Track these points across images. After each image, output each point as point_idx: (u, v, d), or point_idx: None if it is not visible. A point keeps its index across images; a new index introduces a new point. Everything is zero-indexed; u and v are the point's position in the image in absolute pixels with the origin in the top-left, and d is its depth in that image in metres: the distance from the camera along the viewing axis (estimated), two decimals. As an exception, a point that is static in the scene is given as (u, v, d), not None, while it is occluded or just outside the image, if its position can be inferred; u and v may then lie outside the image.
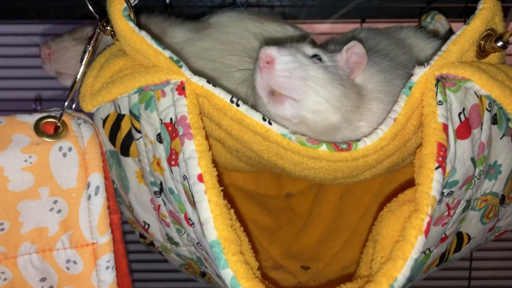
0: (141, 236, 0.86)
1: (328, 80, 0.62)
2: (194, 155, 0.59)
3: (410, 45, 0.83)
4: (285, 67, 0.61)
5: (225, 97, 0.62)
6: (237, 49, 0.82)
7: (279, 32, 0.86)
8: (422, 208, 0.56)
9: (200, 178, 0.58)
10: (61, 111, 0.66)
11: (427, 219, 0.56)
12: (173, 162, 0.64)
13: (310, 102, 0.62)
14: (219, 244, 0.55)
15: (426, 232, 0.56)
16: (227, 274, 0.54)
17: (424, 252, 0.72)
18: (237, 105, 0.62)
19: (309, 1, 1.25)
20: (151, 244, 0.84)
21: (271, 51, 0.61)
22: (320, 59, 0.66)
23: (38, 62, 1.32)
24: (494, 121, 0.68)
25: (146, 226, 0.79)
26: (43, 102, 1.38)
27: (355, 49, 0.67)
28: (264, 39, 0.76)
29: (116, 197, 0.80)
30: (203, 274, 0.87)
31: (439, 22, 1.04)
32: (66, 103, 0.66)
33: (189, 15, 1.17)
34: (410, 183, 0.91)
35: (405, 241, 0.56)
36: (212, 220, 0.56)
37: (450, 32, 1.03)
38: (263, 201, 1.09)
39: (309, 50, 0.67)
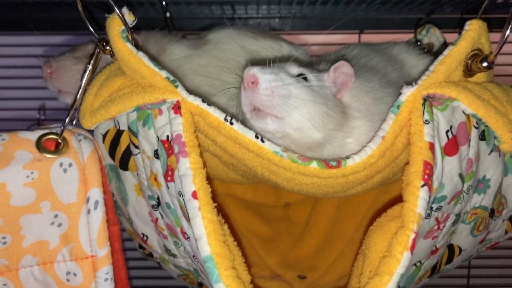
0: (140, 247, 0.88)
1: (311, 99, 0.64)
2: (188, 173, 0.61)
3: (402, 61, 0.85)
4: (268, 85, 0.63)
5: (219, 116, 0.65)
6: (233, 66, 0.84)
7: (274, 49, 0.88)
8: (408, 225, 0.58)
9: (194, 195, 0.60)
10: (62, 128, 0.69)
11: (412, 235, 0.58)
12: (169, 178, 0.66)
13: (291, 120, 0.64)
14: (212, 260, 0.57)
15: (412, 248, 0.58)
16: None
17: (415, 264, 0.74)
18: (231, 123, 0.65)
19: (308, 13, 1.27)
20: (150, 255, 0.87)
21: (255, 71, 0.64)
22: (305, 78, 0.68)
23: (41, 73, 1.36)
24: (482, 137, 0.70)
25: (145, 238, 0.82)
26: (47, 111, 1.42)
27: (342, 69, 0.69)
28: (249, 59, 0.78)
29: (115, 209, 0.83)
30: (201, 285, 0.89)
31: (434, 35, 1.06)
32: (67, 120, 0.69)
33: (189, 28, 1.20)
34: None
35: (391, 257, 0.57)
36: (206, 236, 0.58)
37: (445, 45, 1.05)
38: (261, 210, 1.11)
39: (294, 70, 0.69)
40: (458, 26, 1.11)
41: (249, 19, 1.26)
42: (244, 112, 0.66)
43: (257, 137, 0.65)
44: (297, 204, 1.12)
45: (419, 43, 1.08)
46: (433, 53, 0.98)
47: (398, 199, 0.94)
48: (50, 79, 0.91)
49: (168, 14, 1.11)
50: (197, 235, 0.59)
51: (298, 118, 0.64)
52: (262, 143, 0.65)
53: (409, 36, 1.18)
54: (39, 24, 1.27)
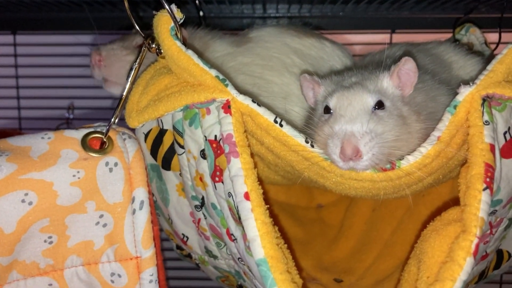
0: (178, 247, 0.87)
1: (400, 131, 0.63)
2: (240, 173, 0.60)
3: (449, 61, 0.82)
4: (369, 150, 0.61)
5: (269, 117, 0.63)
6: (276, 64, 0.82)
7: (317, 47, 0.86)
8: (470, 229, 0.56)
9: (247, 196, 0.59)
10: (107, 127, 0.68)
11: (475, 240, 0.56)
12: (217, 179, 0.65)
13: (389, 158, 0.63)
14: (266, 263, 0.56)
15: (475, 254, 0.56)
16: None
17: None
18: (281, 125, 0.63)
19: (338, 12, 1.25)
20: (188, 256, 0.85)
21: (357, 144, 0.60)
22: (381, 103, 0.66)
23: (71, 72, 1.36)
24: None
25: (185, 239, 0.80)
26: (75, 110, 1.42)
27: (406, 66, 0.67)
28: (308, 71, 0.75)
29: (155, 209, 0.82)
30: (240, 287, 0.88)
31: (473, 35, 1.04)
32: (112, 119, 0.68)
33: (220, 27, 1.19)
34: (443, 197, 0.91)
35: (453, 262, 0.55)
36: (259, 239, 0.57)
37: (486, 45, 1.02)
38: (295, 212, 1.09)
39: (371, 100, 0.65)
40: (498, 26, 1.08)
41: (280, 18, 1.24)
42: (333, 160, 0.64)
43: (307, 142, 0.64)
44: (330, 206, 1.10)
45: (457, 42, 1.06)
46: (478, 54, 0.95)
47: (436, 202, 0.93)
48: (99, 67, 0.88)
49: (201, 13, 1.09)
50: (250, 238, 0.57)
51: (390, 157, 0.63)
52: (312, 148, 0.64)
53: (441, 36, 1.15)
54: (68, 24, 1.28)
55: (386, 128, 0.63)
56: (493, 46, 1.05)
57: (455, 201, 0.65)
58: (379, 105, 0.65)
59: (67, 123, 1.41)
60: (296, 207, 1.11)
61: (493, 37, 1.08)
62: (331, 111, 0.67)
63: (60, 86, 1.40)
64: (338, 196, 1.10)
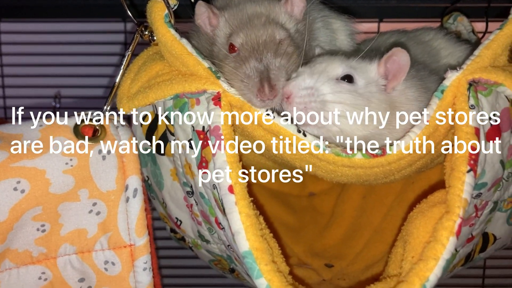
0: (172, 231, 0.88)
1: (349, 104, 0.64)
2: (224, 166, 0.60)
3: (438, 48, 0.84)
4: (301, 100, 0.64)
5: (261, 109, 0.64)
6: None
7: None
8: (454, 210, 0.58)
9: (231, 189, 0.59)
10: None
11: (458, 221, 0.57)
12: (203, 170, 0.65)
13: (331, 127, 0.65)
14: (251, 255, 0.57)
15: (458, 234, 0.57)
16: (262, 284, 0.56)
17: (450, 251, 0.73)
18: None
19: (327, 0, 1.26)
20: (182, 239, 0.86)
21: (290, 88, 0.64)
22: (351, 78, 0.67)
23: (57, 60, 1.34)
24: (524, 124, 0.69)
25: (178, 223, 0.81)
26: (62, 99, 1.41)
27: (397, 57, 0.67)
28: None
29: (150, 192, 0.82)
30: (232, 270, 0.89)
31: (461, 24, 1.05)
32: (105, 107, 0.68)
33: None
34: (432, 183, 0.92)
35: (437, 242, 0.57)
36: (244, 231, 0.58)
37: (473, 33, 1.04)
38: (287, 200, 1.10)
39: (339, 70, 0.67)
40: (485, 15, 1.09)
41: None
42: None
43: (299, 131, 0.64)
44: (322, 194, 1.12)
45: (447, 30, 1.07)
46: (466, 41, 0.97)
47: (425, 189, 0.94)
48: None
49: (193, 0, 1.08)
50: (235, 230, 0.58)
51: (336, 125, 0.64)
52: (304, 137, 0.64)
53: (428, 25, 1.16)
54: (54, 11, 1.26)
55: (339, 97, 0.64)
56: (480, 35, 1.06)
57: (442, 185, 0.67)
58: (349, 79, 0.67)
59: (54, 112, 1.40)
60: (289, 195, 1.12)
61: (480, 26, 1.09)
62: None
63: (47, 75, 1.38)
64: (329, 185, 1.12)
